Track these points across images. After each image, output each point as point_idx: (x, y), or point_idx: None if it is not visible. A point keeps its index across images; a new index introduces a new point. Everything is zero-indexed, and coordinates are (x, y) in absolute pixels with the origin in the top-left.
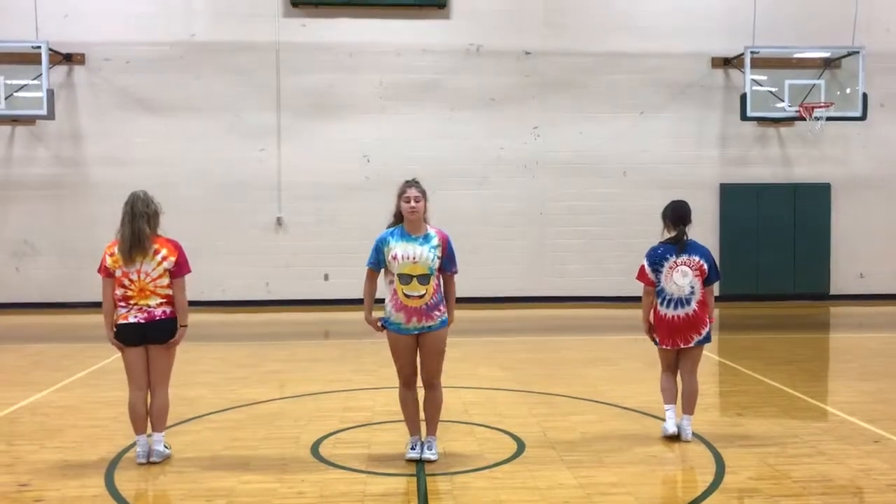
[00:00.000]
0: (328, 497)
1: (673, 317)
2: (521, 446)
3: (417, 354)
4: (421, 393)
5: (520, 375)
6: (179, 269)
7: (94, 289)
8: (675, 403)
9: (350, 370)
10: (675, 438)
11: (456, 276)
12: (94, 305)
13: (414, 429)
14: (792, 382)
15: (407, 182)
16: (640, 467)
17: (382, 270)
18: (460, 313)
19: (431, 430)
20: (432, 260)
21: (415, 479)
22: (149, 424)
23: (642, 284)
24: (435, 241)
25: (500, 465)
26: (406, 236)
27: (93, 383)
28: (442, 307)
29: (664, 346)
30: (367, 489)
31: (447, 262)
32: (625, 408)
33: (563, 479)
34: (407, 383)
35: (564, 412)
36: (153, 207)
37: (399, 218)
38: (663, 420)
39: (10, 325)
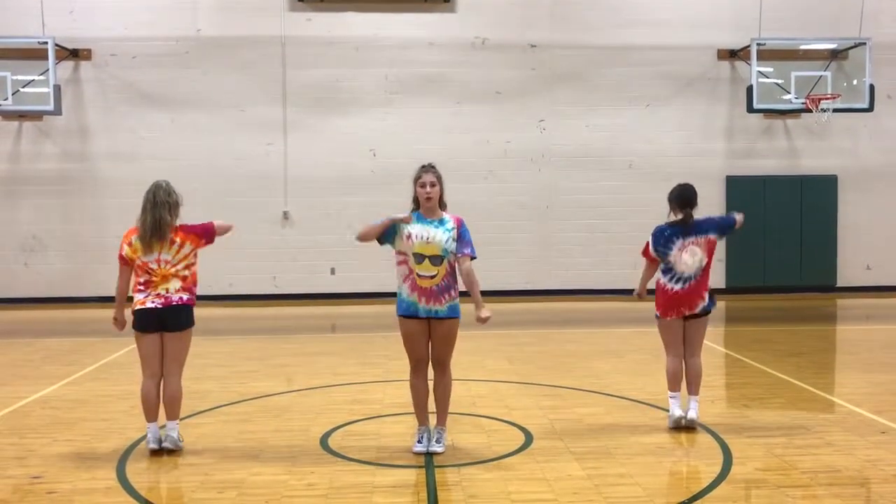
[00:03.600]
0: (338, 488)
1: (678, 290)
2: (528, 438)
3: (429, 342)
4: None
5: (527, 368)
6: (204, 232)
7: (102, 283)
8: (680, 391)
9: (358, 363)
10: (682, 428)
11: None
12: (103, 300)
13: (422, 418)
14: (799, 374)
15: (423, 167)
16: (648, 458)
17: (395, 253)
18: (468, 307)
19: (441, 420)
20: (446, 241)
21: (424, 470)
22: (161, 414)
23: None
24: (450, 225)
25: (508, 456)
26: (422, 219)
27: (103, 377)
28: (453, 291)
29: (668, 317)
30: (377, 481)
31: (460, 244)
32: (632, 399)
33: (572, 470)
34: (417, 370)
35: (572, 404)
36: (175, 197)
37: (417, 203)
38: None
39: (19, 320)
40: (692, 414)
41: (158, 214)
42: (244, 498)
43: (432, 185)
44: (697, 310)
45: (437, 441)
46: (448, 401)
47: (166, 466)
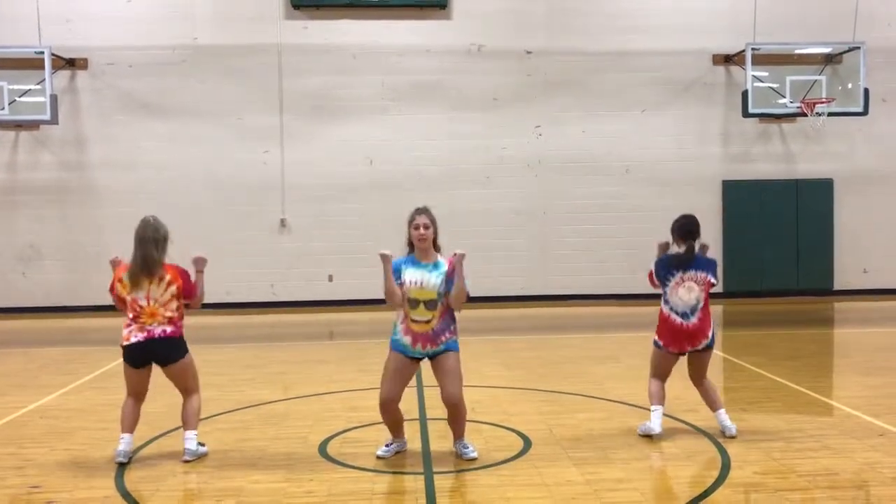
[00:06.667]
0: (337, 495)
1: (680, 324)
2: (527, 444)
3: (407, 383)
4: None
5: (525, 374)
6: (189, 294)
7: (99, 292)
8: (664, 405)
9: (355, 370)
10: (680, 433)
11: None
12: (100, 309)
13: (396, 434)
14: (796, 378)
15: (417, 210)
16: (646, 463)
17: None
18: (465, 313)
19: (459, 435)
20: (439, 286)
21: (422, 477)
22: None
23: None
24: (443, 269)
25: (506, 462)
26: (416, 263)
27: (100, 386)
28: (448, 333)
29: (670, 349)
30: (375, 487)
31: (449, 281)
32: (629, 404)
33: (570, 475)
34: (385, 405)
35: (570, 409)
36: (162, 232)
37: (412, 246)
38: (666, 417)
39: (17, 330)
40: (732, 431)
41: (147, 251)
42: None
43: (426, 227)
44: (700, 346)
45: (465, 447)
46: (464, 425)
47: (164, 475)
